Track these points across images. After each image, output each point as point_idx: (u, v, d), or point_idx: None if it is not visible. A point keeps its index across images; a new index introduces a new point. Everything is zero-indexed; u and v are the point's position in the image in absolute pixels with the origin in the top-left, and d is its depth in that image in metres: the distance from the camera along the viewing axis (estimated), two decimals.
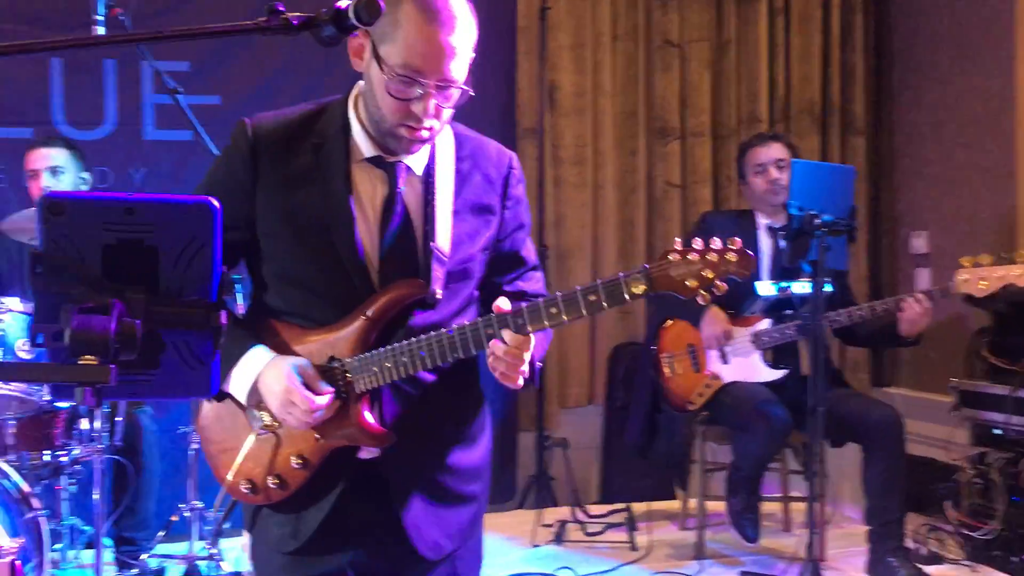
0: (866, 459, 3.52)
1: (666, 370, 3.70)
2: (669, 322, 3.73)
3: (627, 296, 1.57)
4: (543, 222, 4.52)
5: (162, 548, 3.31)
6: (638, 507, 4.26)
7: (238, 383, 1.65)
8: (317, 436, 1.67)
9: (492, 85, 4.56)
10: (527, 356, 1.62)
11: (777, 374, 3.59)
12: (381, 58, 1.56)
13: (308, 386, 1.62)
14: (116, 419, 3.03)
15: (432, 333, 1.63)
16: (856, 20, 4.92)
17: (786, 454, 4.02)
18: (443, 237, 1.67)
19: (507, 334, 1.59)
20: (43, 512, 2.70)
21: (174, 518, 3.29)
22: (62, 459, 2.93)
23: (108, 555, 3.35)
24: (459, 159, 1.73)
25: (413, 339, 1.63)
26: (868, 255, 4.96)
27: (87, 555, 3.15)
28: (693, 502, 3.96)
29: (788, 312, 3.51)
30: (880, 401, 3.75)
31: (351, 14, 1.34)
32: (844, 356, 4.91)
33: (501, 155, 1.80)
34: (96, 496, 2.83)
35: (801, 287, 3.23)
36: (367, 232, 1.66)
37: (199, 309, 1.26)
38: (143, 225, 1.20)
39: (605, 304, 1.58)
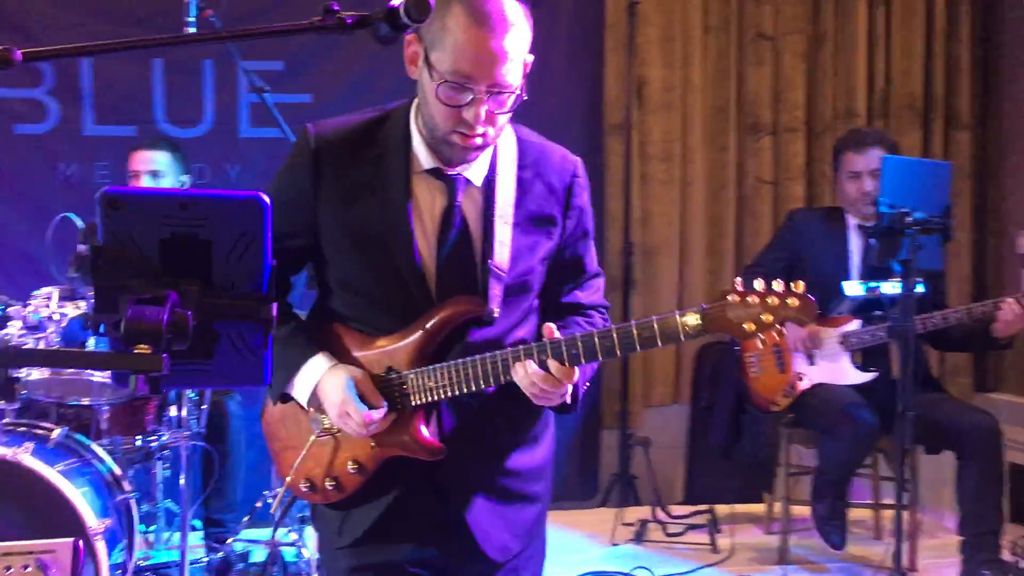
0: (960, 467, 3.39)
1: (750, 370, 3.63)
2: None
3: (681, 336, 1.56)
4: (629, 219, 4.48)
5: (247, 533, 3.42)
6: (722, 509, 4.19)
7: (300, 388, 1.69)
8: (373, 444, 1.70)
9: (579, 82, 4.55)
10: (569, 386, 1.61)
11: (865, 377, 3.48)
12: (432, 64, 1.56)
13: (364, 398, 1.64)
14: (202, 407, 3.14)
15: (488, 354, 1.63)
16: (962, 11, 4.72)
17: (878, 459, 3.90)
18: (502, 252, 1.66)
19: (553, 365, 1.58)
20: (133, 495, 2.81)
21: (258, 504, 3.39)
22: (152, 444, 3.05)
23: (197, 538, 3.49)
24: (521, 167, 1.71)
25: (469, 359, 1.64)
26: (972, 255, 4.76)
27: (180, 537, 3.27)
28: (779, 506, 3.87)
29: (877, 313, 3.40)
30: (975, 407, 3.59)
31: (402, 13, 1.36)
32: (944, 361, 4.73)
33: (565, 162, 1.77)
34: (182, 481, 2.93)
35: (891, 287, 3.12)
36: (426, 244, 1.67)
37: (250, 301, 1.30)
38: (196, 220, 1.25)
39: (660, 343, 1.57)
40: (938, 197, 3.04)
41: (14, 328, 2.61)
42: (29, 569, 1.25)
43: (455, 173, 1.67)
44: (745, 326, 1.54)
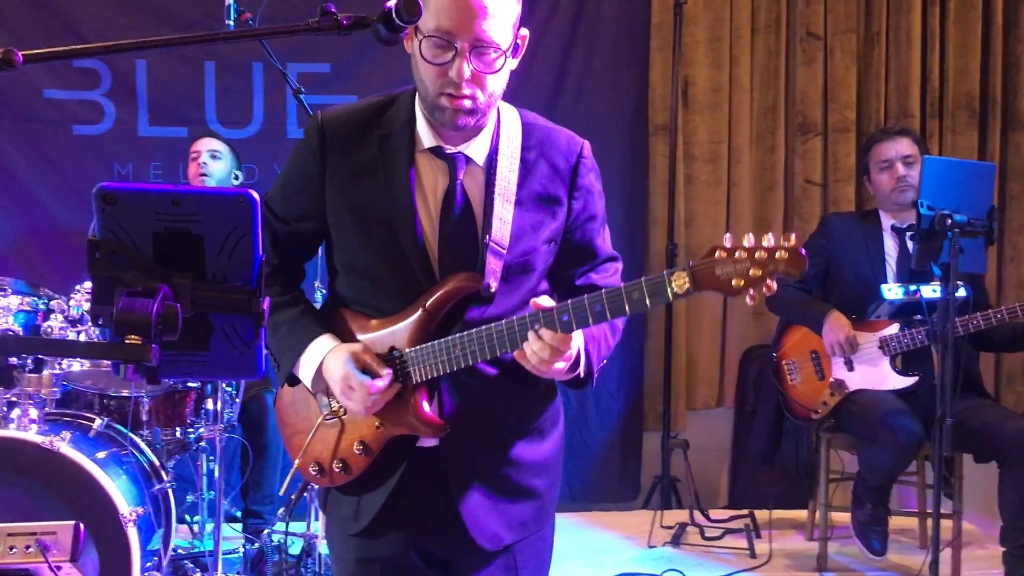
0: (1001, 475, 3.29)
1: (788, 378, 3.58)
2: (792, 328, 3.61)
3: (670, 293, 1.52)
4: (673, 220, 4.45)
5: (283, 525, 3.48)
6: (763, 514, 4.13)
7: (306, 369, 1.72)
8: (377, 424, 1.72)
9: (624, 82, 4.54)
10: (569, 352, 1.60)
11: (907, 381, 3.40)
12: (418, 27, 1.58)
13: (367, 370, 1.66)
14: (236, 400, 3.21)
15: (484, 328, 1.63)
16: (1022, 7, 4.58)
17: (924, 466, 3.81)
18: (502, 229, 1.67)
19: (546, 332, 1.57)
20: (171, 484, 2.89)
21: (294, 497, 3.45)
22: (191, 436, 3.13)
23: (231, 530, 3.55)
24: (525, 148, 1.72)
25: (466, 333, 1.64)
26: None
27: (225, 527, 3.35)
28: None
29: (917, 317, 3.32)
30: (1016, 414, 3.49)
31: (395, 14, 1.38)
32: (1001, 368, 4.61)
33: (572, 143, 1.76)
34: (216, 474, 3.00)
35: (931, 291, 3.05)
36: (429, 223, 1.68)
37: (241, 294, 1.33)
38: (189, 215, 1.28)
39: (648, 302, 1.54)
40: (982, 199, 2.97)
41: (55, 321, 2.70)
42: (31, 549, 1.30)
43: (455, 151, 1.68)
44: (734, 282, 1.50)
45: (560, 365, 1.60)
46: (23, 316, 2.70)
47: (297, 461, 1.79)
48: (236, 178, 3.91)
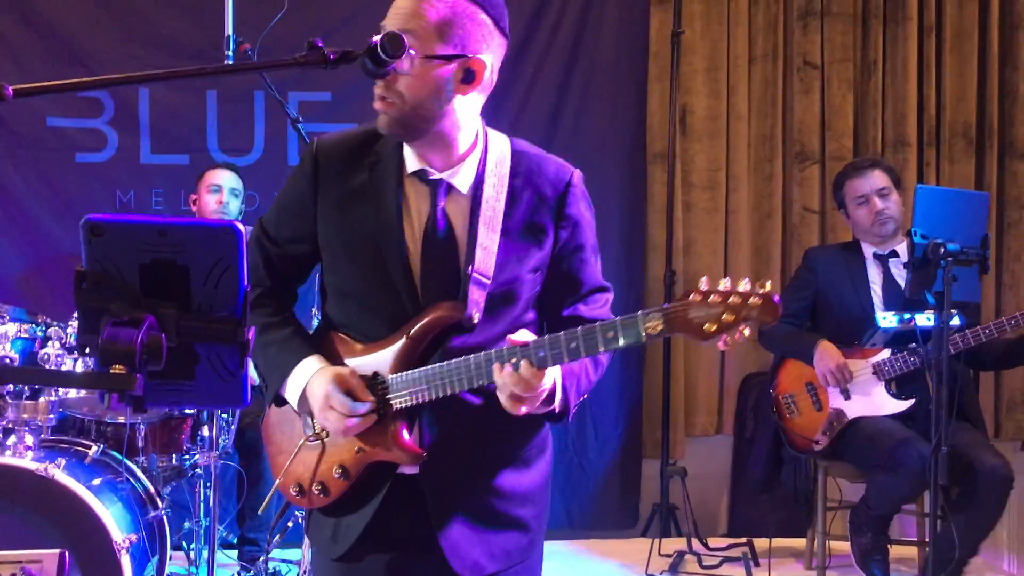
0: (959, 497, 3.30)
1: (786, 412, 3.59)
2: (786, 362, 3.63)
3: (643, 335, 1.53)
4: (671, 246, 4.47)
5: (279, 552, 3.49)
6: (763, 543, 4.11)
7: (292, 390, 1.73)
8: (357, 449, 1.72)
9: (622, 110, 4.57)
10: (543, 387, 1.60)
11: (903, 405, 3.41)
12: None
13: (351, 394, 1.67)
14: (232, 427, 3.22)
15: (464, 358, 1.63)
16: (1018, 37, 4.62)
17: (923, 495, 3.80)
18: (486, 260, 1.67)
19: (522, 366, 1.56)
20: (165, 512, 2.90)
21: (289, 524, 3.45)
22: (187, 463, 3.14)
23: (226, 557, 3.55)
24: (513, 175, 1.73)
25: (447, 362, 1.64)
26: None
27: (220, 554, 3.35)
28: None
29: (912, 345, 3.33)
30: (995, 450, 3.47)
31: (379, 49, 1.42)
32: (1000, 397, 4.60)
33: (561, 172, 1.77)
34: (211, 501, 3.01)
35: (925, 319, 3.06)
36: (415, 249, 1.70)
37: (226, 324, 1.35)
38: (175, 246, 1.30)
39: (622, 342, 1.54)
40: (975, 228, 2.98)
41: (53, 349, 2.73)
42: None
43: (437, 177, 1.70)
44: (706, 327, 1.50)
45: (530, 402, 1.60)
46: (21, 343, 2.73)
47: (279, 480, 1.80)
48: (241, 213, 3.96)
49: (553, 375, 1.63)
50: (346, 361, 1.74)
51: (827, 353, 3.44)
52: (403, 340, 1.69)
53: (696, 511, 4.28)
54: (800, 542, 4.13)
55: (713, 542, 4.18)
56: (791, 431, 3.59)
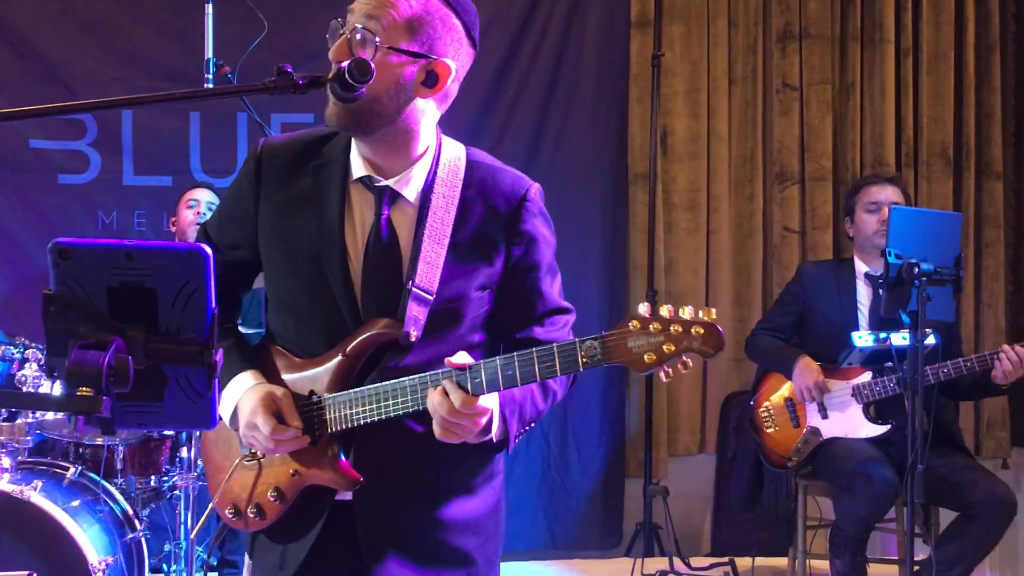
0: (960, 522, 3.33)
1: (764, 425, 3.60)
2: (769, 375, 3.64)
3: (581, 364, 1.45)
4: (653, 266, 4.49)
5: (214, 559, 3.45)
6: (745, 562, 4.12)
7: (225, 405, 1.65)
8: (293, 471, 1.64)
9: (603, 132, 4.60)
10: (481, 421, 1.52)
11: (880, 429, 3.43)
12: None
13: (282, 416, 1.59)
14: None
15: (398, 380, 1.55)
16: (994, 59, 4.68)
17: (903, 514, 3.80)
18: (429, 274, 1.58)
19: (455, 393, 1.47)
20: (143, 533, 2.89)
21: (212, 540, 3.44)
22: (166, 484, 3.14)
23: None
24: (466, 186, 1.63)
25: (381, 384, 1.56)
26: (1007, 305, 4.66)
27: None
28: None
29: (888, 364, 3.36)
30: (994, 476, 3.49)
31: (347, 75, 1.44)
32: (980, 416, 4.62)
33: (517, 185, 1.65)
34: (189, 523, 3.00)
35: (900, 338, 3.09)
36: (356, 261, 1.61)
37: (194, 346, 1.36)
38: (142, 269, 1.31)
39: (559, 370, 1.47)
40: (948, 248, 3.02)
41: (30, 370, 2.73)
42: None
43: (383, 184, 1.61)
44: (646, 358, 1.41)
45: (463, 431, 1.51)
46: None
47: (214, 500, 1.72)
48: None
49: (492, 402, 1.54)
50: (283, 376, 1.66)
51: (807, 369, 3.46)
52: (339, 357, 1.60)
53: (679, 530, 4.28)
54: (782, 561, 4.13)
55: (696, 561, 4.18)
56: (767, 446, 3.61)
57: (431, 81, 1.57)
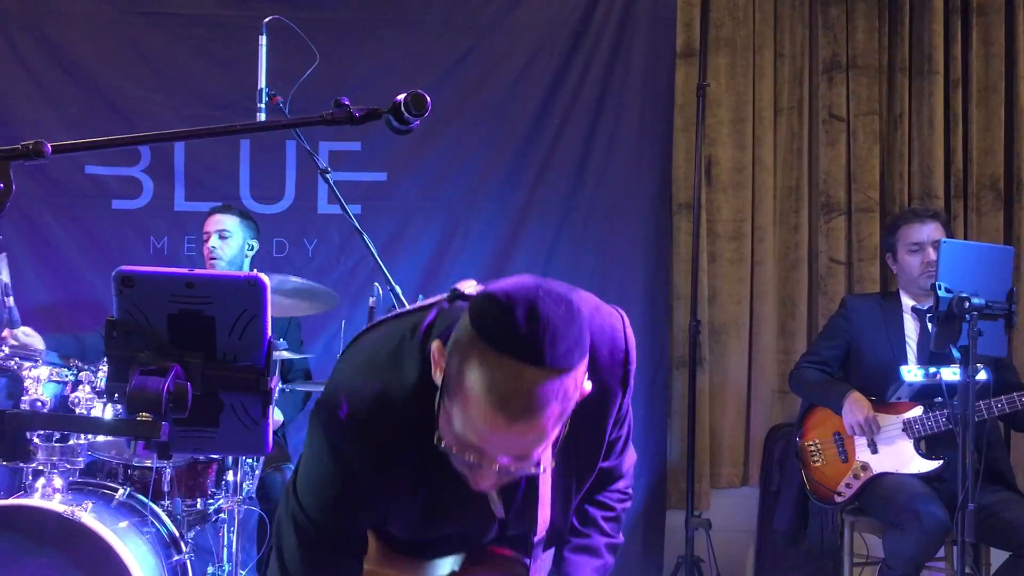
0: (1012, 561, 3.23)
1: (811, 460, 3.55)
2: (814, 410, 3.60)
3: None
4: (696, 296, 4.47)
5: None
6: None
7: None
8: None
9: (648, 161, 4.61)
10: None
11: (931, 465, 3.36)
12: (444, 406, 1.37)
13: None
14: (256, 472, 3.24)
15: None
16: None
17: (953, 553, 3.73)
18: (543, 515, 1.57)
19: None
20: (189, 556, 2.92)
21: None
22: (211, 507, 3.17)
23: None
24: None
25: None
26: None
27: None
28: None
29: (939, 400, 3.30)
30: None
31: (403, 107, 1.46)
32: None
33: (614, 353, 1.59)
34: (234, 546, 3.02)
35: (951, 373, 3.04)
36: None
37: (250, 374, 1.39)
38: (202, 298, 1.35)
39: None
40: (1000, 282, 2.97)
41: (83, 392, 2.78)
42: None
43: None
44: None
45: None
46: (53, 387, 2.78)
47: None
48: (251, 248, 3.98)
49: None
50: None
51: (857, 404, 3.41)
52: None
53: (721, 564, 4.23)
54: None
55: None
56: (814, 480, 3.55)
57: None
